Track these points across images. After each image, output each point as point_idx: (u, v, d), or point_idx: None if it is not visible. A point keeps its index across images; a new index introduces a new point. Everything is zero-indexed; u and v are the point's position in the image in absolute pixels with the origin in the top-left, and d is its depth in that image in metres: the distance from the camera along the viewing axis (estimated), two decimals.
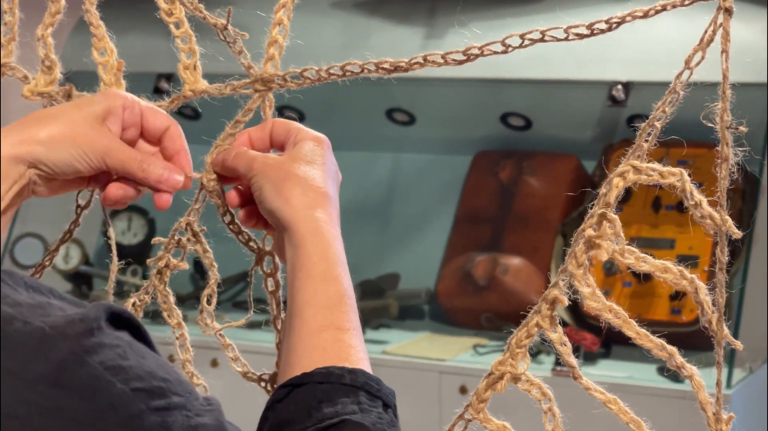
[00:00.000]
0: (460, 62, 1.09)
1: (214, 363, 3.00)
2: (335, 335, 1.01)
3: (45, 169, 1.02)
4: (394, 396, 1.00)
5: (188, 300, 3.30)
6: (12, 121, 1.02)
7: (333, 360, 0.99)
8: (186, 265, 1.19)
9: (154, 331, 1.21)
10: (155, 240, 1.19)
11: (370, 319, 3.25)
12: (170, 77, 3.36)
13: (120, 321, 0.80)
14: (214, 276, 1.19)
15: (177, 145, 1.10)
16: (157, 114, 1.09)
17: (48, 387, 0.75)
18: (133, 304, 1.20)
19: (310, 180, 1.08)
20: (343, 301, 1.03)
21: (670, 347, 1.01)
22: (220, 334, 1.21)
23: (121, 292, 3.40)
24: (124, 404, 0.76)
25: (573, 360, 1.03)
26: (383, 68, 1.11)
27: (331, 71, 1.14)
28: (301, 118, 3.45)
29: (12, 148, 1.00)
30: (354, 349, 1.01)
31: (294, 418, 0.96)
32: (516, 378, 1.04)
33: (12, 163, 1.00)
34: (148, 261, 1.19)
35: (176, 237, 1.19)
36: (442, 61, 1.09)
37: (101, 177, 1.09)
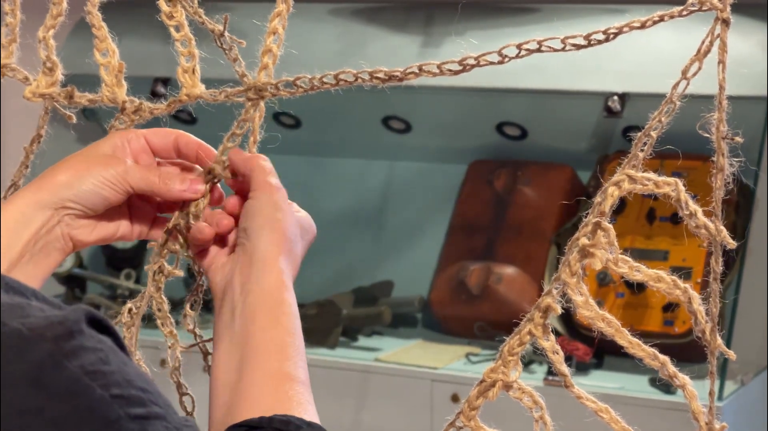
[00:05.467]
0: (456, 72, 1.08)
1: (207, 369, 2.99)
2: (293, 386, 1.00)
3: (73, 206, 1.06)
4: None
5: (181, 305, 3.29)
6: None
7: (292, 410, 0.98)
8: (180, 272, 1.19)
9: (143, 334, 1.21)
10: (151, 244, 1.19)
11: (363, 326, 3.25)
12: (167, 81, 3.36)
13: (99, 326, 0.80)
14: (200, 281, 1.19)
15: (192, 145, 1.13)
16: (159, 131, 1.13)
17: (27, 388, 0.75)
18: (129, 311, 1.19)
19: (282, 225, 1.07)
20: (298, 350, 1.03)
21: (662, 356, 1.01)
22: (204, 343, 1.20)
23: (115, 296, 3.39)
24: (103, 409, 0.76)
25: (565, 368, 1.03)
26: (377, 77, 1.10)
27: (324, 80, 1.12)
28: (298, 125, 3.45)
29: (33, 194, 1.05)
30: (311, 405, 1.00)
31: None
32: (508, 386, 1.04)
33: (34, 209, 1.04)
34: (146, 267, 1.18)
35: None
36: (437, 71, 1.08)
37: (141, 213, 1.13)
